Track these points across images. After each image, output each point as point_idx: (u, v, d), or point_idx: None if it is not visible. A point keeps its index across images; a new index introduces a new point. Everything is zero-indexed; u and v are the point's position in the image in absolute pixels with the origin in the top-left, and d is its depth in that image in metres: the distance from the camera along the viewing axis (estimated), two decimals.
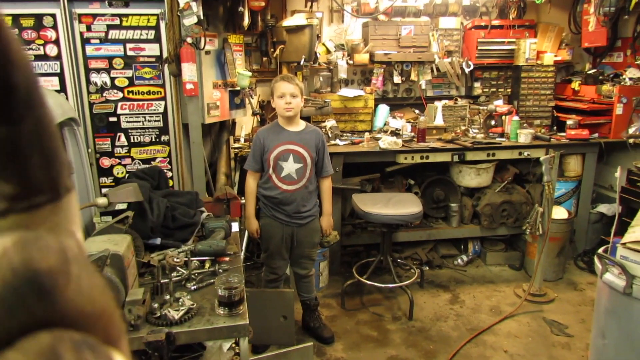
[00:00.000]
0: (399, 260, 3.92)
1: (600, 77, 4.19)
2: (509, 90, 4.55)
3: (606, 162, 4.17)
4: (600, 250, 2.36)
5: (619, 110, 3.91)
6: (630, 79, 3.96)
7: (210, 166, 3.69)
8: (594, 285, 3.63)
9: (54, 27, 2.98)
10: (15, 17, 2.93)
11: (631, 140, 3.79)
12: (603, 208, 4.13)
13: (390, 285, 3.57)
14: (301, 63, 3.93)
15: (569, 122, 4.01)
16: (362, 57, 4.22)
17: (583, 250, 4.20)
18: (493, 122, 4.14)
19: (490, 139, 3.98)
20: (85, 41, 3.06)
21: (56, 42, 3.00)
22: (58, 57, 3.03)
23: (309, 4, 4.07)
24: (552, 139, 3.96)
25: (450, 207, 4.12)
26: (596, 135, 4.03)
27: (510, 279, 3.96)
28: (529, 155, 3.88)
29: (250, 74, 3.55)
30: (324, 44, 4.28)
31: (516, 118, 4.00)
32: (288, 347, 2.60)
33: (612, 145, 4.04)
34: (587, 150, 4.03)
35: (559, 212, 3.84)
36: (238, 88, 3.57)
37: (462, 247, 4.30)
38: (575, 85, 4.34)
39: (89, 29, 3.04)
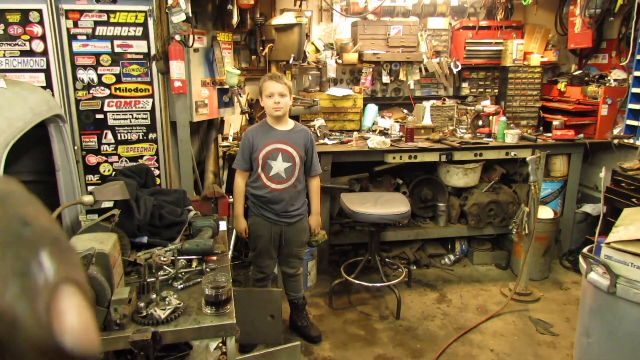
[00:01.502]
0: (386, 260, 3.93)
1: (586, 79, 4.25)
2: (496, 90, 4.59)
3: (591, 163, 4.23)
4: (584, 250, 2.39)
5: (604, 111, 3.97)
6: (615, 80, 4.02)
7: (198, 164, 3.67)
8: (579, 284, 3.69)
9: (40, 22, 2.93)
10: (1, 12, 2.88)
11: (616, 141, 3.85)
12: (588, 208, 4.19)
13: (378, 285, 3.59)
14: (290, 62, 3.93)
15: (555, 122, 4.06)
16: (351, 57, 4.23)
17: (568, 249, 4.25)
18: (480, 123, 4.18)
19: (477, 139, 4.01)
20: (72, 37, 3.01)
21: (42, 37, 2.96)
22: (44, 53, 2.98)
23: (298, 2, 4.07)
24: (539, 139, 4.00)
25: (438, 207, 4.15)
26: (581, 135, 4.08)
27: (496, 278, 4.00)
28: (515, 155, 3.92)
29: (239, 72, 3.54)
30: (313, 43, 4.28)
31: (503, 118, 4.04)
32: (275, 347, 2.59)
33: (597, 146, 4.09)
34: (572, 150, 4.08)
35: (545, 212, 3.89)
36: (227, 86, 3.55)
37: (449, 246, 4.33)
38: (561, 86, 4.39)
39: (75, 25, 3.00)
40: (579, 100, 4.16)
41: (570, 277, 3.99)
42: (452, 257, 4.24)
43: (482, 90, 4.62)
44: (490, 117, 4.15)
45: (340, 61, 4.27)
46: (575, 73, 4.40)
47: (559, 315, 3.41)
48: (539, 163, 3.43)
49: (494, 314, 3.41)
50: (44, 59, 3.00)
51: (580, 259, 2.35)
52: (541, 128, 4.37)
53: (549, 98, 4.52)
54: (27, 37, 2.95)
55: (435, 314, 3.44)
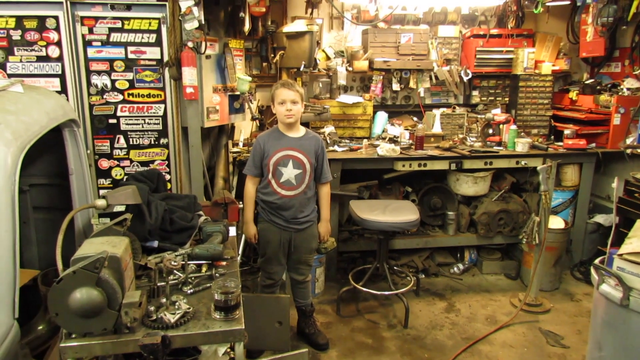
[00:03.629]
0: (395, 268, 3.92)
1: (598, 87, 4.22)
2: (506, 99, 4.58)
3: (603, 172, 4.19)
4: (596, 261, 2.37)
5: (616, 120, 3.93)
6: (628, 89, 3.99)
7: (208, 170, 3.69)
8: (591, 296, 3.65)
9: (57, 29, 2.99)
10: (19, 19, 2.94)
11: (629, 151, 3.81)
12: (600, 218, 4.14)
13: (386, 293, 3.57)
14: (301, 69, 3.95)
15: (566, 131, 4.03)
16: (362, 64, 4.25)
17: (580, 260, 4.21)
18: (491, 131, 4.16)
19: (487, 148, 3.99)
20: (87, 43, 3.06)
21: (58, 43, 3.01)
22: (60, 58, 3.03)
23: (309, 10, 4.10)
24: (550, 148, 3.98)
25: (447, 215, 4.13)
26: (593, 145, 4.04)
27: (506, 288, 3.97)
28: (526, 164, 3.90)
29: (250, 78, 3.57)
30: (323, 51, 4.30)
31: (514, 127, 4.02)
32: (283, 353, 2.59)
33: (609, 156, 4.05)
34: (584, 160, 4.04)
35: (556, 222, 3.85)
36: (238, 93, 3.58)
37: (458, 255, 4.31)
38: (572, 94, 4.37)
39: (91, 31, 3.05)
40: (591, 109, 4.13)
41: (581, 288, 3.94)
42: (461, 266, 4.21)
43: (492, 98, 4.61)
44: (501, 126, 4.13)
45: (350, 69, 4.29)
46: (587, 82, 4.36)
47: (570, 327, 3.36)
48: (550, 172, 3.41)
49: (504, 325, 3.38)
50: (60, 64, 3.05)
51: (592, 271, 2.33)
52: (552, 137, 4.34)
53: (561, 107, 4.49)
54: (44, 43, 3.00)
55: (444, 324, 3.41)
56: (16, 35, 2.97)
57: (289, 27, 3.96)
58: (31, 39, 2.99)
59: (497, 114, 4.21)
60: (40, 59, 3.02)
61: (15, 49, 2.99)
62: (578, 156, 4.01)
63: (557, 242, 3.79)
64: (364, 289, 3.50)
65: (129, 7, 3.06)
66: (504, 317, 3.48)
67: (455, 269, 4.20)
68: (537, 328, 3.36)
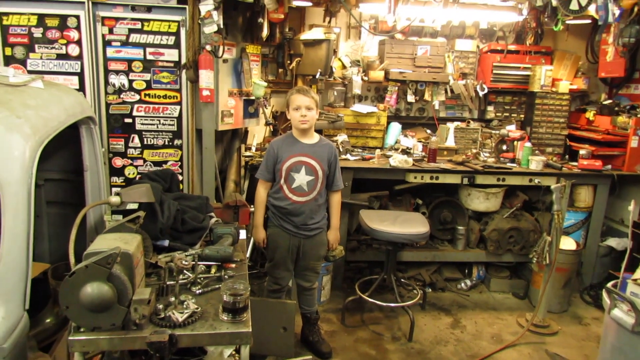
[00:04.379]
0: (402, 280, 3.89)
1: (616, 108, 4.17)
2: (522, 115, 4.55)
3: (618, 195, 4.12)
4: (609, 285, 2.32)
5: (634, 142, 3.88)
6: None
7: (220, 173, 3.71)
8: (600, 320, 3.59)
9: (77, 28, 3.04)
10: (41, 17, 2.99)
11: None
12: (613, 242, 4.08)
13: (392, 305, 3.54)
14: (316, 76, 3.97)
15: (582, 151, 3.99)
16: (377, 74, 4.25)
17: (590, 283, 4.14)
18: (505, 147, 4.14)
19: (501, 164, 3.97)
20: (107, 43, 3.11)
21: (78, 42, 3.06)
22: (79, 57, 3.08)
23: (327, 19, 4.12)
24: (564, 167, 3.94)
25: (457, 230, 4.10)
26: (609, 167, 3.99)
27: (513, 307, 3.91)
28: (539, 182, 3.86)
29: (265, 84, 3.59)
30: (340, 59, 4.32)
31: (528, 144, 3.99)
32: (286, 359, 2.58)
33: (625, 178, 4.00)
34: (599, 181, 3.99)
35: (567, 243, 3.80)
36: (253, 97, 3.60)
37: (466, 271, 4.26)
38: (590, 114, 4.33)
39: (111, 31, 3.10)
40: (608, 130, 4.09)
41: (590, 312, 3.87)
42: (468, 282, 4.17)
43: (507, 114, 4.59)
44: (515, 142, 4.10)
45: (366, 78, 4.30)
46: (605, 102, 4.33)
47: (577, 351, 3.30)
48: (564, 192, 3.37)
49: (509, 344, 3.33)
50: (79, 62, 3.10)
51: (604, 294, 2.29)
52: (567, 156, 4.30)
53: (577, 126, 4.46)
54: (64, 42, 3.05)
55: (449, 339, 3.37)
56: (37, 32, 3.03)
57: (307, 35, 3.99)
58: (52, 37, 3.04)
59: (511, 130, 4.19)
60: (60, 56, 3.07)
61: (36, 46, 3.04)
62: (593, 177, 3.97)
63: (568, 263, 3.73)
64: (370, 300, 3.47)
65: (149, 9, 3.11)
66: (510, 337, 3.43)
67: (463, 284, 4.16)
68: (544, 350, 3.30)
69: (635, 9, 3.70)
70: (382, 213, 3.63)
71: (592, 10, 3.58)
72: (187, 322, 1.54)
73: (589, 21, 4.11)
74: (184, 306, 1.60)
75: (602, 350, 2.35)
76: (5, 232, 1.52)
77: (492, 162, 3.98)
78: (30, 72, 3.04)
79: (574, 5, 3.51)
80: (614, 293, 2.18)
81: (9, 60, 3.03)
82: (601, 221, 4.09)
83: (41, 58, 3.07)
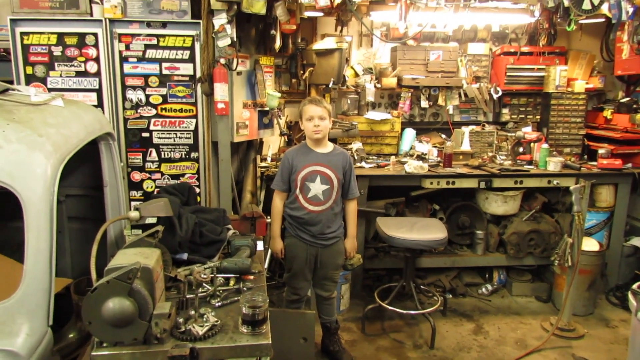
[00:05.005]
0: (421, 287, 3.85)
1: (634, 106, 4.10)
2: (538, 117, 4.50)
3: None
4: (634, 286, 2.27)
5: None
6: None
7: (236, 184, 3.74)
8: (628, 322, 3.51)
9: (95, 45, 3.11)
10: (60, 35, 3.07)
11: None
12: (637, 241, 3.99)
13: (412, 312, 3.51)
14: (330, 85, 3.98)
15: (600, 151, 3.93)
16: (390, 81, 4.25)
17: (615, 284, 4.05)
18: (521, 149, 4.09)
19: (518, 166, 3.92)
20: (124, 59, 3.17)
21: (96, 59, 3.13)
22: (97, 73, 3.15)
23: (339, 28, 4.14)
24: (583, 168, 3.87)
25: (476, 234, 4.06)
26: (630, 165, 3.92)
27: (537, 311, 3.85)
28: (558, 184, 3.81)
29: (279, 94, 3.62)
30: (352, 67, 4.33)
31: (545, 146, 3.94)
32: None
33: None
34: (619, 180, 3.92)
35: (590, 244, 3.73)
36: (267, 108, 3.63)
37: (487, 275, 4.21)
38: (607, 113, 4.26)
39: (127, 47, 3.16)
40: (626, 128, 4.01)
41: (617, 314, 3.78)
42: (489, 287, 4.11)
43: (523, 116, 4.54)
44: (532, 144, 4.05)
45: (379, 85, 4.30)
46: (622, 100, 4.25)
47: (605, 355, 3.23)
48: (584, 193, 3.31)
49: (534, 350, 3.27)
50: (97, 79, 3.16)
51: (630, 296, 2.24)
52: (585, 156, 4.23)
53: (594, 125, 4.39)
54: (83, 59, 3.13)
55: (472, 346, 3.33)
56: (57, 51, 3.10)
57: (319, 45, 4.01)
58: (71, 54, 3.11)
59: (527, 132, 4.14)
60: (79, 74, 3.15)
61: (55, 64, 3.12)
62: (613, 176, 3.89)
63: (591, 264, 3.66)
64: (390, 308, 3.45)
65: (164, 25, 3.17)
66: (534, 342, 3.37)
67: (484, 289, 4.10)
68: (570, 354, 3.24)
69: None
70: (399, 220, 3.61)
71: (605, 9, 3.55)
72: (207, 335, 1.55)
73: (602, 20, 4.06)
74: (204, 319, 1.61)
75: (631, 353, 2.29)
76: (29, 250, 1.56)
77: (509, 165, 3.93)
78: (50, 90, 3.11)
79: (586, 5, 3.48)
80: None
81: (29, 79, 3.11)
82: (624, 221, 4.01)
83: (61, 76, 3.14)
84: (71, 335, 2.09)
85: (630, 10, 3.55)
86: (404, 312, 3.51)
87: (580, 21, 3.89)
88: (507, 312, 3.83)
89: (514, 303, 3.98)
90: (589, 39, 4.52)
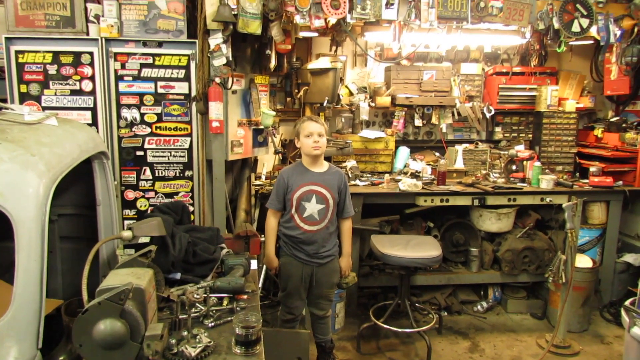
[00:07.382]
0: (416, 305, 3.83)
1: (624, 125, 4.17)
2: (530, 135, 4.55)
3: (632, 211, 4.08)
4: (627, 303, 2.28)
5: None
6: None
7: (230, 202, 3.73)
8: (622, 338, 3.50)
9: (91, 64, 3.12)
10: (56, 54, 3.09)
11: None
12: (629, 258, 4.01)
13: (408, 330, 3.49)
14: (324, 104, 4.02)
15: (592, 168, 3.97)
16: (384, 100, 4.30)
17: (609, 301, 4.05)
18: (514, 167, 4.12)
19: (511, 184, 3.95)
20: (119, 78, 3.19)
21: (92, 78, 3.14)
22: (92, 92, 3.16)
23: (333, 48, 4.19)
24: (575, 185, 3.91)
25: (470, 252, 4.06)
26: (620, 182, 3.97)
27: (532, 328, 3.83)
28: (551, 201, 3.83)
29: (274, 113, 3.64)
30: (346, 87, 4.38)
31: (538, 163, 3.98)
32: None
33: (637, 194, 3.97)
34: (611, 197, 3.96)
35: (583, 261, 3.74)
36: (262, 127, 3.65)
37: (482, 293, 4.20)
38: (598, 132, 4.32)
39: (123, 66, 3.18)
40: (617, 146, 4.07)
41: (612, 330, 3.78)
42: (484, 304, 4.10)
43: (515, 135, 4.59)
44: (525, 162, 4.09)
45: (373, 104, 4.34)
46: (612, 119, 4.32)
47: None
48: (576, 210, 3.34)
49: None
50: (92, 98, 3.17)
51: (623, 313, 2.24)
52: (577, 174, 4.27)
53: (585, 144, 4.44)
54: (78, 78, 3.14)
55: None
56: (52, 69, 3.11)
57: (314, 64, 4.06)
58: (66, 73, 3.12)
59: (520, 150, 4.18)
60: (73, 92, 3.15)
61: (50, 82, 3.13)
62: (605, 194, 3.93)
63: (585, 281, 3.67)
64: (385, 326, 3.43)
65: (160, 44, 3.19)
66: (530, 359, 3.35)
67: (479, 307, 4.09)
68: None
69: (636, 29, 3.76)
70: (393, 237, 3.61)
71: (593, 31, 3.64)
72: (200, 357, 1.53)
73: (591, 42, 4.14)
74: (197, 340, 1.59)
75: None
76: (19, 271, 1.54)
77: (502, 183, 3.96)
78: (44, 108, 3.11)
79: (575, 28, 3.56)
80: (633, 311, 2.13)
81: (24, 97, 3.11)
82: (616, 237, 4.04)
83: (55, 94, 3.14)
84: (61, 358, 2.05)
85: (618, 33, 3.66)
86: (400, 330, 3.49)
87: (570, 43, 3.97)
88: (502, 329, 3.81)
89: (510, 320, 3.96)
90: (579, 60, 4.60)
